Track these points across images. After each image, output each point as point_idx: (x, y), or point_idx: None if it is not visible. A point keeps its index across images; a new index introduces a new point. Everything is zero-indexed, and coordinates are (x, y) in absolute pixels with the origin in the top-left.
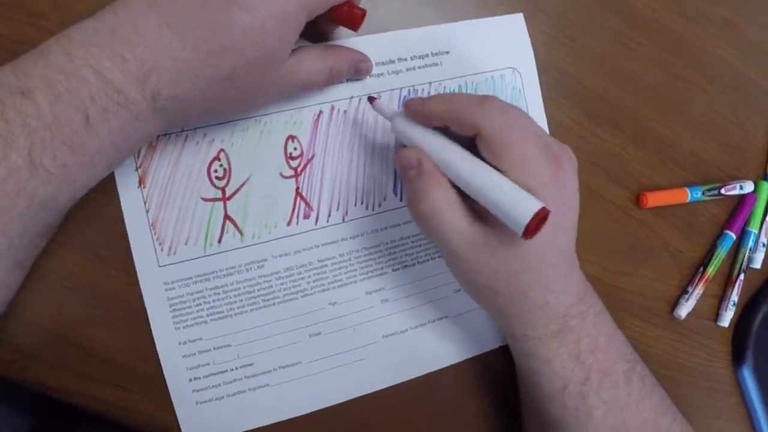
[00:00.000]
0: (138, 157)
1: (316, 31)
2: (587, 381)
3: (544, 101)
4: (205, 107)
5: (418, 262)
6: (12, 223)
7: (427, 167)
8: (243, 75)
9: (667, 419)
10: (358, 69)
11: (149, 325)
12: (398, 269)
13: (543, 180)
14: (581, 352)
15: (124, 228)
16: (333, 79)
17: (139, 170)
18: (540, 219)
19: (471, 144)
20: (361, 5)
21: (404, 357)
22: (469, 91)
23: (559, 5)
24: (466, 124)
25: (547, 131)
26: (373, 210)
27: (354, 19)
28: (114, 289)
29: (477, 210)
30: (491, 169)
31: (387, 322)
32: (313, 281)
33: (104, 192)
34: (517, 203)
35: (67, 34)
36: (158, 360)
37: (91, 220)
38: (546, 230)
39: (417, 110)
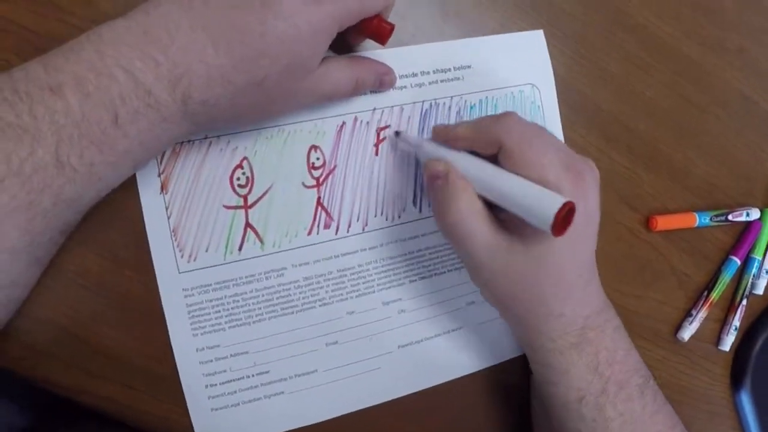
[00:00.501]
0: (161, 163)
1: (343, 42)
2: (604, 392)
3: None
4: (234, 113)
5: (435, 274)
6: (36, 219)
7: (453, 176)
8: (274, 82)
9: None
10: (382, 81)
11: (167, 329)
12: (415, 280)
13: (563, 191)
14: (599, 364)
15: (144, 231)
16: (358, 90)
17: (162, 176)
18: (567, 213)
19: (495, 163)
20: (389, 19)
21: (419, 367)
22: (489, 106)
23: (579, 27)
24: (489, 141)
25: None
26: (392, 221)
27: (382, 33)
28: (130, 290)
29: (500, 219)
30: (514, 174)
31: (403, 332)
32: (332, 291)
33: (126, 193)
34: (542, 200)
35: (98, 32)
36: (172, 363)
37: (112, 220)
38: (566, 239)
39: (443, 132)
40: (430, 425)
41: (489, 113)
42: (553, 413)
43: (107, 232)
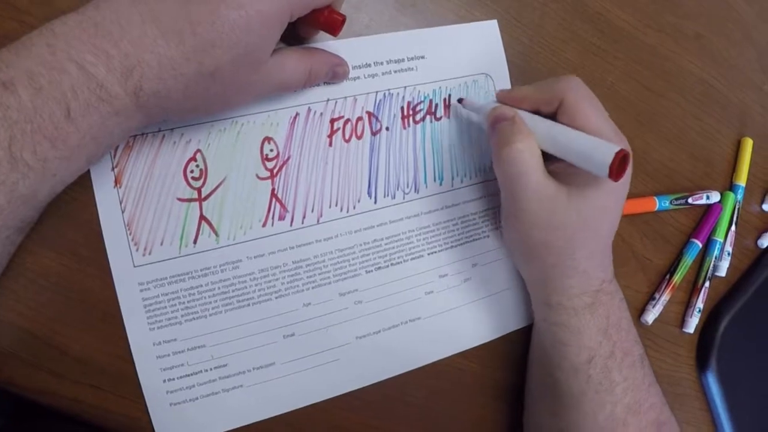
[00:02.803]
0: (114, 157)
1: (295, 34)
2: (612, 355)
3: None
4: (186, 104)
5: (392, 264)
6: None
7: (517, 119)
8: (226, 73)
9: (667, 409)
10: (335, 73)
11: (124, 325)
12: (372, 270)
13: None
14: (609, 326)
15: (100, 227)
16: (310, 81)
17: (116, 170)
18: (622, 160)
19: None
20: (342, 10)
21: (378, 358)
22: (443, 96)
23: (536, 16)
24: (551, 97)
25: None
26: (347, 212)
27: (334, 25)
28: (90, 289)
29: (554, 171)
30: (572, 129)
31: (361, 323)
32: (288, 282)
33: (82, 190)
34: (600, 148)
35: (50, 27)
36: (133, 360)
37: (69, 219)
38: (606, 198)
39: (507, 95)
40: (391, 415)
41: (442, 103)
42: (560, 377)
43: (65, 231)
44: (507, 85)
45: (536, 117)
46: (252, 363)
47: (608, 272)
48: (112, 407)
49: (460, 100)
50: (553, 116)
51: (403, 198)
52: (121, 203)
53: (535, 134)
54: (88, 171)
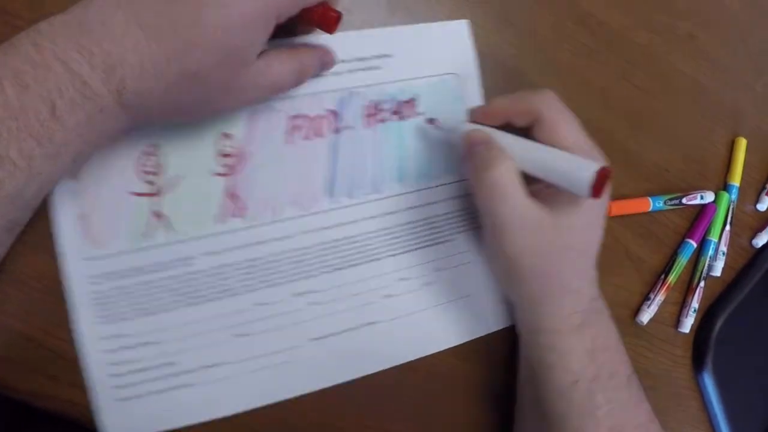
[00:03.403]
0: None
1: (285, 32)
2: (597, 378)
3: None
4: (171, 106)
5: (350, 265)
6: None
7: (492, 143)
8: (209, 74)
9: (656, 426)
10: (324, 63)
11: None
12: (328, 271)
13: (594, 158)
14: (595, 349)
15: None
16: (301, 79)
17: None
18: (603, 177)
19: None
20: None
21: (332, 361)
22: (408, 95)
23: (529, 18)
24: (527, 111)
25: None
26: (305, 211)
27: (328, 22)
28: None
29: (533, 192)
30: (550, 147)
31: (315, 325)
32: (241, 281)
33: None
34: (579, 166)
35: (37, 28)
36: (81, 353)
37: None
38: (590, 214)
39: (481, 111)
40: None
41: (407, 102)
42: (545, 399)
43: (49, 232)
44: (476, 87)
45: (512, 136)
46: (202, 361)
47: (595, 288)
48: None
49: (431, 121)
50: (526, 131)
51: (363, 198)
52: (74, 194)
53: (513, 155)
54: None
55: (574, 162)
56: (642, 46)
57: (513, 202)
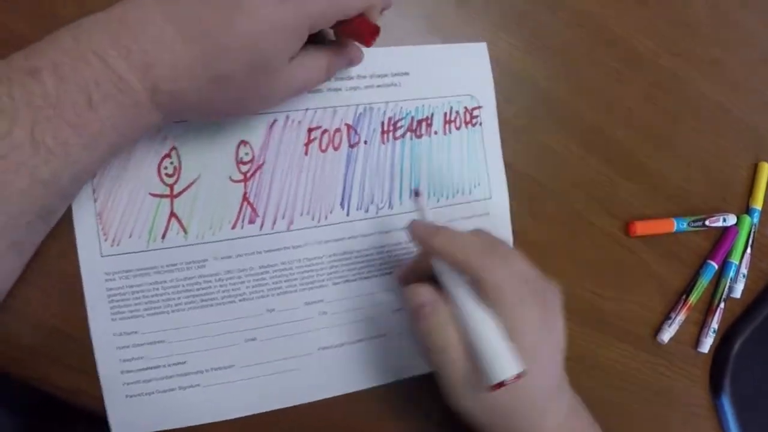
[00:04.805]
0: None
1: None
2: None
3: (541, 130)
4: (203, 106)
5: (361, 278)
6: (12, 198)
7: (441, 307)
8: (241, 78)
9: None
10: (351, 59)
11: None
12: (339, 283)
13: (533, 325)
14: None
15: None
16: (329, 75)
17: None
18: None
19: None
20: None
21: (340, 371)
22: (425, 113)
23: (561, 41)
24: (468, 270)
25: (501, 165)
26: (318, 222)
27: (366, 35)
28: None
29: None
30: (487, 319)
31: (324, 335)
32: (253, 286)
33: None
34: (498, 362)
35: (78, 23)
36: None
37: None
38: (537, 371)
39: (423, 239)
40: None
41: (424, 120)
42: None
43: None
44: (492, 108)
45: (459, 282)
46: (211, 363)
47: (563, 413)
48: None
49: (417, 193)
50: None
51: (377, 212)
52: (93, 192)
53: (455, 306)
54: None
55: (494, 359)
56: (667, 70)
57: (459, 368)
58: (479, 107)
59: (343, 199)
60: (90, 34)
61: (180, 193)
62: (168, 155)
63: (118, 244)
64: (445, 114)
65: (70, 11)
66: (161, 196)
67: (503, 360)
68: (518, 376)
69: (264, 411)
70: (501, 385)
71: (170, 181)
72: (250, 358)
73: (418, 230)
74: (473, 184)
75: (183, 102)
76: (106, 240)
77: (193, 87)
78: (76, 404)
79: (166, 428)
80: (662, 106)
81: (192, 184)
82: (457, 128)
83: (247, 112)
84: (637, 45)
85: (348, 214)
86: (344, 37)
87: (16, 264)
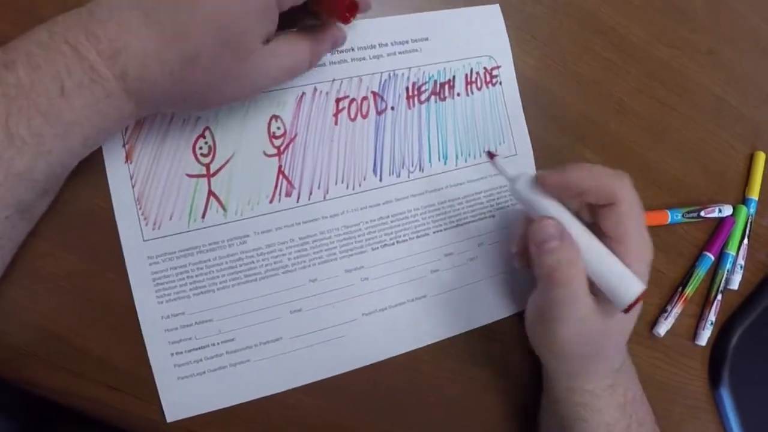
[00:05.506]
0: (125, 134)
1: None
2: (628, 428)
3: (532, 121)
4: (177, 92)
5: (398, 242)
6: None
7: (567, 242)
8: (210, 59)
9: None
10: (335, 40)
11: (133, 300)
12: (378, 248)
13: (645, 257)
14: (626, 402)
15: (111, 203)
16: (315, 59)
17: (126, 146)
18: (640, 299)
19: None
20: None
21: (385, 334)
22: (447, 76)
23: (549, 30)
24: (605, 193)
25: (524, 122)
26: (353, 189)
27: (341, 11)
28: (110, 291)
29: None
30: (605, 248)
31: (367, 300)
32: (294, 258)
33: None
34: (626, 285)
35: (54, 18)
36: (142, 334)
37: (88, 221)
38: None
39: (558, 181)
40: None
41: (446, 83)
42: None
43: (85, 232)
44: (510, 67)
45: (579, 226)
46: (259, 338)
47: (625, 351)
48: (131, 408)
49: (491, 155)
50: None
51: (408, 176)
52: (131, 178)
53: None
54: (103, 163)
55: (623, 280)
56: (662, 60)
57: (578, 302)
58: (498, 67)
59: (375, 165)
60: (64, 25)
61: (216, 172)
62: (202, 135)
63: (159, 228)
64: (466, 75)
65: (52, 11)
66: (198, 176)
67: (630, 280)
68: (643, 296)
69: (313, 381)
70: (632, 305)
71: (206, 160)
72: (297, 329)
73: (551, 176)
74: (498, 141)
75: (154, 88)
76: (147, 224)
77: (163, 71)
78: (90, 411)
79: (219, 407)
80: (657, 96)
81: (227, 161)
82: (479, 89)
83: (224, 100)
84: (630, 35)
85: (381, 180)
86: (322, 14)
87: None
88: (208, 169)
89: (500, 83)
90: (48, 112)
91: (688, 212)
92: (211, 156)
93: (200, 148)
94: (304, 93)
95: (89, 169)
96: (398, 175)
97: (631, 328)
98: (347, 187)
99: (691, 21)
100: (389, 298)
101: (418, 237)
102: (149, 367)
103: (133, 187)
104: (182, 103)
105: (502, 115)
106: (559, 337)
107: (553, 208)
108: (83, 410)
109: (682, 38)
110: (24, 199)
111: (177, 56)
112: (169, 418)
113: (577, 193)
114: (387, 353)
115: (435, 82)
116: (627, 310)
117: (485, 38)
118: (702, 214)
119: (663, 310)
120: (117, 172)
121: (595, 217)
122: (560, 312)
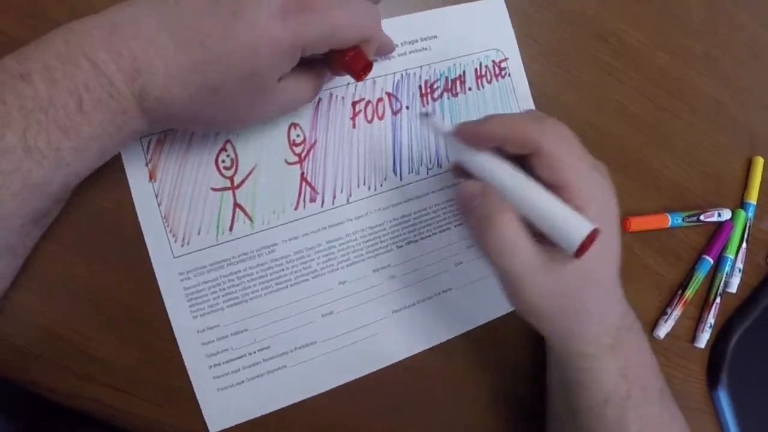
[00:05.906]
0: (147, 152)
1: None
2: (629, 395)
3: None
4: (189, 116)
5: (422, 238)
6: (5, 202)
7: (489, 195)
8: (230, 91)
9: None
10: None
11: (167, 316)
12: (402, 245)
13: (596, 196)
14: (628, 367)
15: (138, 223)
16: (317, 90)
17: (149, 165)
18: (590, 240)
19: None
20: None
21: (415, 329)
22: (458, 72)
23: (552, 36)
24: (524, 140)
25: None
26: (375, 190)
27: (357, 70)
28: (120, 291)
29: (536, 232)
30: (545, 190)
31: (395, 297)
32: (323, 262)
33: (118, 196)
34: (570, 225)
35: (69, 25)
36: (179, 350)
37: (100, 223)
38: (601, 244)
39: (473, 133)
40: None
41: (457, 79)
42: (577, 414)
43: (98, 236)
44: (517, 58)
45: (507, 166)
46: (293, 343)
47: (623, 305)
48: (136, 410)
49: (426, 114)
50: (521, 159)
51: (427, 173)
52: (157, 197)
53: (507, 193)
54: (124, 174)
55: (568, 222)
56: (661, 65)
57: (521, 256)
58: (505, 59)
59: (394, 164)
60: (82, 37)
61: (240, 184)
62: (223, 149)
63: (188, 243)
64: (476, 70)
65: (61, 13)
66: (223, 189)
67: (576, 221)
68: (593, 233)
69: (349, 380)
70: (583, 249)
71: (229, 173)
72: (330, 332)
73: (466, 128)
74: None
75: (170, 110)
76: (176, 241)
77: (182, 95)
78: (95, 413)
79: (260, 414)
80: (656, 101)
81: (251, 173)
82: (489, 82)
83: (231, 126)
84: (630, 40)
85: (401, 179)
86: (336, 67)
87: (10, 266)
88: (232, 181)
89: (509, 75)
90: (67, 126)
91: (688, 216)
92: (234, 168)
93: (223, 161)
94: (320, 99)
95: (104, 175)
96: (417, 173)
97: (605, 278)
98: (369, 189)
99: (685, 26)
100: (417, 293)
101: (441, 231)
102: (184, 377)
103: (159, 205)
104: (193, 123)
105: (513, 106)
106: (526, 297)
107: (485, 159)
108: (88, 412)
109: (679, 43)
110: (39, 208)
111: (200, 83)
112: (212, 429)
113: (498, 145)
114: (419, 347)
115: (446, 78)
116: (578, 255)
117: (491, 32)
118: (702, 218)
119: (663, 313)
120: (142, 192)
121: (530, 168)
122: (507, 266)
